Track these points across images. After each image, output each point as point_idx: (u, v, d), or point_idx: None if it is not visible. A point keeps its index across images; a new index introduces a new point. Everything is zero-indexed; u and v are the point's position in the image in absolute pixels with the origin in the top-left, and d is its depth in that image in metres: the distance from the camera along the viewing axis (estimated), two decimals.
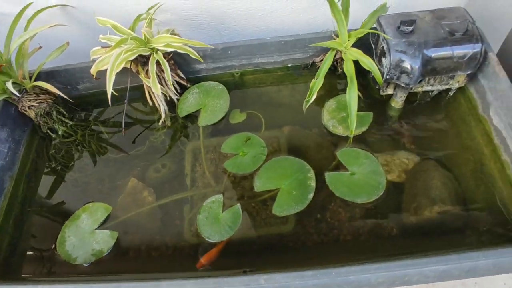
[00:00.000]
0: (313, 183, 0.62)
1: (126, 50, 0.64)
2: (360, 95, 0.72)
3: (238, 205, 0.62)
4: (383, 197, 0.63)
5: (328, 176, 0.64)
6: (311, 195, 0.61)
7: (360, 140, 0.69)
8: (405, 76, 0.62)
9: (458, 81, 0.67)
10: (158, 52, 0.67)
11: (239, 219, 0.61)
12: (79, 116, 0.79)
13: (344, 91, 0.66)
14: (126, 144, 0.76)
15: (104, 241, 0.61)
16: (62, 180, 0.72)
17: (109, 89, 0.61)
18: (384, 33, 0.63)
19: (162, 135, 0.76)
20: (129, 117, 0.79)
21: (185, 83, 0.76)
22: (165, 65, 0.66)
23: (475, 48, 0.61)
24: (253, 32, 0.84)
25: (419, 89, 0.68)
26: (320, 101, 0.74)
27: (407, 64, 0.61)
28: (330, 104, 0.72)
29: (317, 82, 0.67)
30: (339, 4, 0.67)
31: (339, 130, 0.69)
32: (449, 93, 0.70)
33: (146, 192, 0.71)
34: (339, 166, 0.66)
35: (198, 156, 0.72)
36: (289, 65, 0.77)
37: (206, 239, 0.60)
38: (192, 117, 0.75)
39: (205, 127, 0.74)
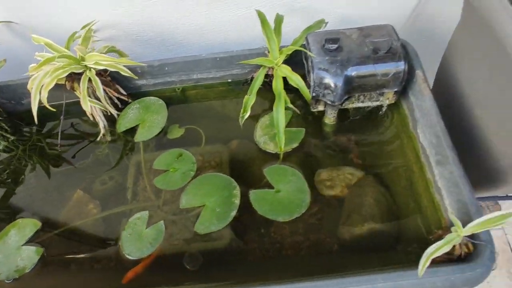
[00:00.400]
0: (237, 201, 0.62)
1: (56, 68, 0.65)
2: (297, 111, 0.72)
3: (162, 222, 0.63)
4: (317, 213, 0.63)
5: (252, 193, 0.64)
6: (234, 213, 0.61)
7: (292, 157, 0.69)
8: (329, 93, 0.62)
9: (388, 98, 0.67)
10: (92, 69, 0.68)
11: (161, 235, 0.61)
12: (22, 130, 0.80)
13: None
14: (71, 157, 0.77)
15: (28, 257, 0.62)
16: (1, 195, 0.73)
17: (34, 106, 0.62)
18: (310, 50, 0.63)
19: (106, 148, 0.77)
20: (76, 130, 0.80)
21: (126, 99, 0.77)
22: (97, 83, 0.67)
23: (398, 66, 0.61)
24: (201, 46, 0.85)
25: (350, 106, 0.68)
26: (256, 117, 0.74)
27: (329, 82, 0.61)
28: (264, 120, 0.72)
29: (250, 99, 0.68)
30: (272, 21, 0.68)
31: (270, 147, 0.69)
32: (382, 109, 0.70)
33: (92, 205, 0.71)
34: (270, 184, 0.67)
35: (141, 170, 0.72)
36: (229, 80, 0.77)
37: (127, 256, 0.60)
38: (132, 132, 0.76)
39: (149, 140, 0.75)
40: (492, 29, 0.55)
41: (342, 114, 0.71)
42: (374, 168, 0.68)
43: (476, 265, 0.48)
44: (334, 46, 0.61)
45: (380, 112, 0.70)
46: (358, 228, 0.64)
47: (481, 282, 0.49)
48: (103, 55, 0.66)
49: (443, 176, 0.57)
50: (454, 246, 0.51)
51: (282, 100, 0.64)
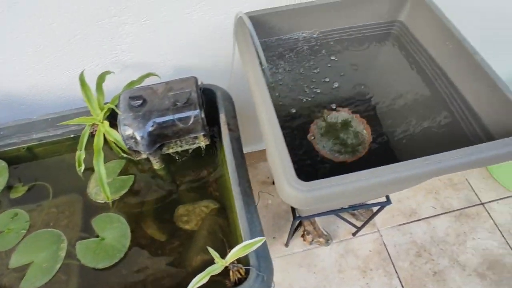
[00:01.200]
0: (63, 254, 0.67)
1: None
2: (134, 158, 0.78)
3: None
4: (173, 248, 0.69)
5: (79, 244, 0.68)
6: (58, 265, 0.66)
7: (125, 204, 0.75)
8: (138, 145, 0.69)
9: (202, 141, 0.75)
10: None
11: None
12: None
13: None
14: None
15: None
16: None
17: None
18: (119, 107, 0.70)
19: None
20: None
21: None
22: None
23: (195, 114, 0.69)
24: (55, 103, 0.90)
25: (170, 151, 0.76)
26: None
27: (134, 135, 0.68)
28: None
29: (81, 154, 0.73)
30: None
31: (100, 197, 0.74)
32: (202, 149, 0.78)
33: None
34: None
35: None
36: (72, 135, 0.82)
37: None
38: None
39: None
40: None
41: (171, 157, 0.79)
42: (217, 199, 0.76)
43: None
44: (138, 102, 0.69)
45: (202, 153, 0.78)
46: (194, 261, 0.70)
47: None
48: None
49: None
50: (230, 273, 0.58)
51: (101, 155, 0.70)
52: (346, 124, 0.82)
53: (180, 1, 0.72)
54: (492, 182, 1.37)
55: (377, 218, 1.29)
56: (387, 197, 0.94)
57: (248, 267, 0.57)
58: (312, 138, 0.76)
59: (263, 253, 0.60)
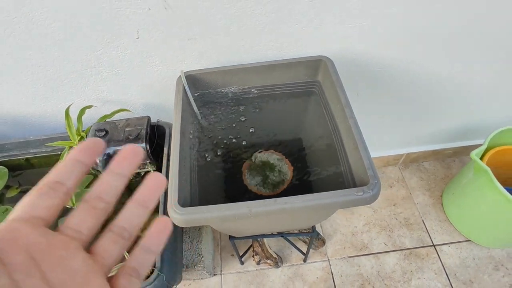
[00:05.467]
0: None
1: None
2: None
3: None
4: None
5: None
6: None
7: None
8: (98, 166, 0.90)
9: (149, 167, 0.94)
10: None
11: None
12: None
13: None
14: None
15: None
16: None
17: None
18: (87, 136, 0.91)
19: None
20: None
21: None
22: None
23: (142, 145, 0.89)
24: (52, 125, 1.15)
25: None
26: None
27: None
28: None
29: None
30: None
31: (69, 203, 0.95)
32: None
33: None
34: None
35: None
36: (59, 152, 1.05)
37: None
38: None
39: None
40: None
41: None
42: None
43: None
44: (102, 133, 0.90)
45: None
46: None
47: None
48: None
49: None
50: None
51: None
52: (272, 164, 0.99)
53: (142, 59, 0.94)
54: (447, 226, 1.43)
55: (328, 248, 1.39)
56: (313, 227, 1.07)
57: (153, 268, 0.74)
58: (245, 173, 0.93)
59: (167, 259, 0.76)
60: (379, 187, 0.64)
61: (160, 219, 0.26)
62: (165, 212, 0.80)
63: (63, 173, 0.23)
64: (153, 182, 0.26)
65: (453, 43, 1.01)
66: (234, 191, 0.93)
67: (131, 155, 0.25)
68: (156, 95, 1.06)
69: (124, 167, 0.25)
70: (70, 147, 0.97)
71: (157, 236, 0.25)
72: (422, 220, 1.46)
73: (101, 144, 0.25)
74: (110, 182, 0.25)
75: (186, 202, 0.68)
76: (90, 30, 0.84)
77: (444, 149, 1.60)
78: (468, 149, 1.62)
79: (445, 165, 1.64)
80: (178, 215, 0.63)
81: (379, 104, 1.22)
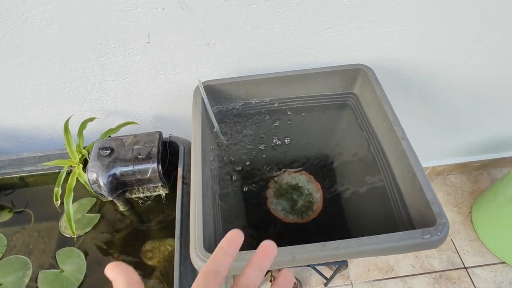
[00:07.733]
0: (26, 280, 0.76)
1: None
2: (104, 199, 0.87)
3: None
4: None
5: (41, 273, 0.77)
6: None
7: (89, 239, 0.83)
8: (102, 189, 0.78)
9: (161, 190, 0.83)
10: None
11: None
12: None
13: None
14: None
15: None
16: None
17: None
18: (90, 154, 0.80)
19: None
20: None
21: None
22: None
23: (153, 166, 0.77)
24: (49, 139, 1.03)
25: (133, 196, 0.84)
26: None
27: (98, 181, 0.77)
28: (73, 206, 0.87)
29: (58, 190, 0.83)
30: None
31: (68, 231, 0.83)
32: (162, 197, 0.85)
33: None
34: None
35: None
36: (57, 170, 0.93)
37: None
38: None
39: None
40: None
41: (135, 201, 0.87)
42: None
43: None
44: (106, 152, 0.78)
45: (163, 200, 0.86)
46: None
47: None
48: None
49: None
50: None
51: (71, 195, 0.79)
52: (301, 187, 0.87)
53: (153, 66, 0.82)
54: (479, 245, 1.32)
55: (351, 271, 1.28)
56: None
57: None
58: (269, 197, 0.82)
59: None
60: (448, 228, 0.53)
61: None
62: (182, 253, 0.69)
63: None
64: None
65: (507, 47, 0.90)
66: (258, 218, 0.82)
67: (269, 251, 0.28)
68: (167, 106, 0.94)
69: (265, 264, 0.27)
70: (70, 167, 0.85)
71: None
72: (451, 239, 1.35)
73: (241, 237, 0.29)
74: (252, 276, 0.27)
75: (211, 243, 0.56)
76: (93, 33, 0.73)
77: (471, 162, 1.49)
78: (496, 162, 1.51)
79: (472, 179, 1.53)
80: (204, 263, 0.51)
81: (411, 117, 1.11)
